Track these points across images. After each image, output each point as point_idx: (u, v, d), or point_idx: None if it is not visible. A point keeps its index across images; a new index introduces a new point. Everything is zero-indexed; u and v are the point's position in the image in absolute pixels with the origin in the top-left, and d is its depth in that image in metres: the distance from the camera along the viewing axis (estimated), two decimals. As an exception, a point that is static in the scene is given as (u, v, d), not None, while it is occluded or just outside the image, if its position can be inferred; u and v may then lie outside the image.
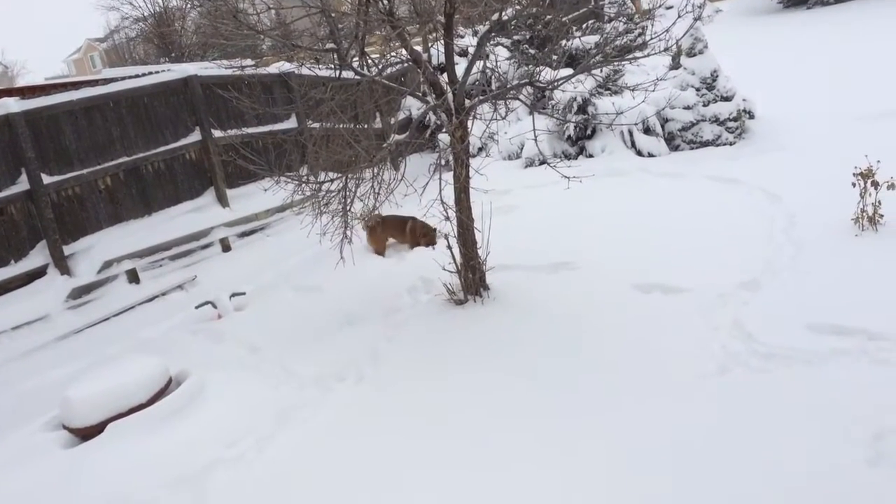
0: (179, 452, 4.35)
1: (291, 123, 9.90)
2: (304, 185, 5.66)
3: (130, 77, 8.83)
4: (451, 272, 5.83)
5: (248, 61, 8.83)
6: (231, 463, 4.24)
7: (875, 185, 5.64)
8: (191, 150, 9.08)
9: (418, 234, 7.44)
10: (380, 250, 7.64)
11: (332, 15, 6.32)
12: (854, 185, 5.73)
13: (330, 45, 5.88)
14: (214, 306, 6.85)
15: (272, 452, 4.30)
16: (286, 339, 5.94)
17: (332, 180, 5.60)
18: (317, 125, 8.29)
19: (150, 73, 9.22)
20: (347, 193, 5.58)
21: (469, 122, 5.96)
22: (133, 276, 8.06)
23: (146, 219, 8.69)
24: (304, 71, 7.10)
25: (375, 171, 5.63)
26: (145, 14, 23.04)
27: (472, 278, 5.80)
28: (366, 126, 6.81)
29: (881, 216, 5.66)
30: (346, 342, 5.63)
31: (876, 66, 10.69)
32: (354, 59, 5.67)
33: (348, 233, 5.61)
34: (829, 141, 8.10)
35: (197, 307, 6.90)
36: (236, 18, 6.06)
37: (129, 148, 8.54)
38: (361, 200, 5.69)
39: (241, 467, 4.20)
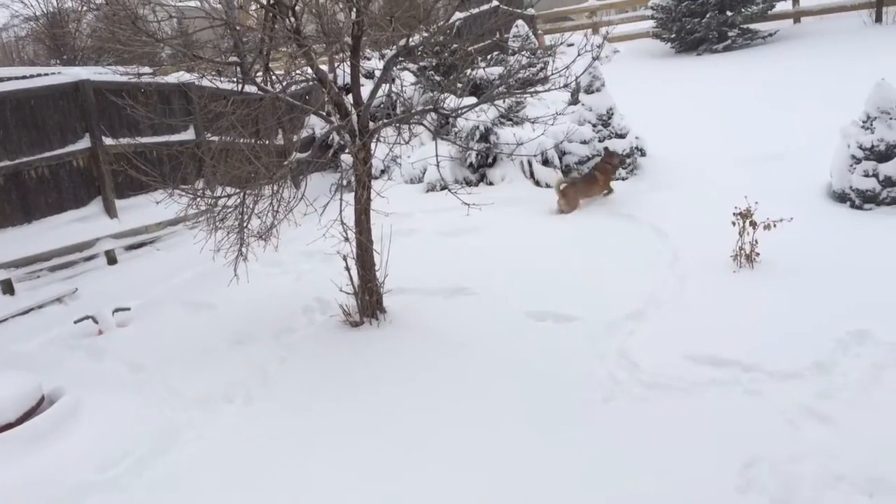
0: (48, 476, 4.10)
1: (189, 135, 9.63)
2: (199, 198, 5.51)
3: (17, 77, 8.37)
4: (349, 293, 5.80)
5: (146, 69, 8.54)
6: (105, 487, 4.03)
7: (753, 224, 6.00)
8: (79, 158, 8.67)
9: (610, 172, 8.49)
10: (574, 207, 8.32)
11: (237, 28, 6.22)
12: (734, 224, 6.08)
13: (233, 59, 5.78)
14: (95, 321, 6.52)
15: (151, 476, 4.12)
16: (172, 357, 5.72)
17: (229, 196, 5.49)
18: (216, 138, 8.11)
19: (40, 74, 8.77)
20: (245, 209, 5.48)
21: (372, 145, 5.98)
22: (7, 287, 7.59)
23: (25, 227, 8.20)
24: (205, 83, 6.95)
25: (275, 188, 5.55)
26: (37, 14, 21.93)
27: (370, 300, 5.79)
28: (267, 142, 6.70)
29: (757, 254, 6.03)
30: (236, 362, 5.48)
31: (759, 110, 11.41)
32: (258, 75, 5.59)
33: (244, 250, 5.50)
34: (715, 181, 8.55)
35: (76, 322, 6.55)
36: (135, 25, 5.87)
37: (12, 151, 8.08)
38: (259, 217, 5.60)
39: (115, 492, 3.99)
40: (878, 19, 17.08)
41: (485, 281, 6.40)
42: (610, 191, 8.61)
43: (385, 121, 5.96)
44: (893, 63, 12.24)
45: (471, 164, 9.77)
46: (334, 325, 5.82)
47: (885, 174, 7.04)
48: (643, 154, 9.80)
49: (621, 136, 9.46)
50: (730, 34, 17.47)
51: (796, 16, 18.86)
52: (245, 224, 5.43)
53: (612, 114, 9.53)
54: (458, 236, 7.64)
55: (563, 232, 7.64)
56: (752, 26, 17.73)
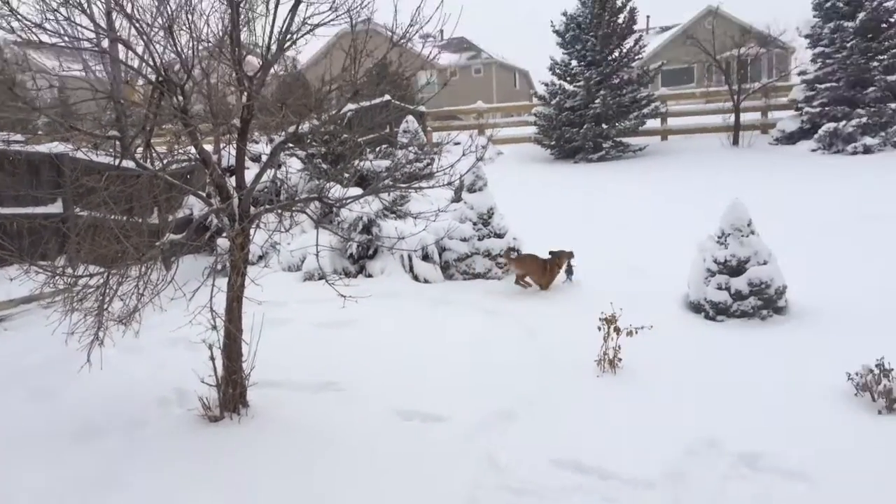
0: None
1: (56, 208, 9.17)
2: (58, 276, 5.21)
3: None
4: (211, 385, 5.56)
5: (18, 136, 8.17)
6: None
7: (617, 330, 6.27)
8: (-72, 224, 8.07)
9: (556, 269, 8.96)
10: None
11: (121, 102, 6.09)
12: (599, 329, 6.33)
13: (113, 133, 5.63)
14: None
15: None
16: (2, 451, 5.25)
17: (91, 275, 5.22)
18: (85, 214, 7.77)
19: None
20: (107, 291, 5.22)
21: (252, 230, 5.89)
22: None
23: None
24: (80, 155, 6.70)
25: (143, 269, 5.33)
26: None
27: (233, 393, 5.57)
28: (140, 221, 6.48)
29: (620, 360, 6.28)
30: (77, 458, 5.08)
31: (629, 219, 12.10)
32: (138, 150, 5.46)
33: (101, 334, 5.20)
34: (586, 285, 8.92)
35: None
36: (12, 91, 5.65)
37: None
38: (122, 300, 5.33)
39: None
40: (735, 142, 18.72)
41: (356, 376, 6.32)
42: (544, 286, 9.00)
43: (267, 206, 5.91)
44: (748, 182, 13.38)
45: (351, 255, 9.78)
46: (192, 420, 5.54)
47: (736, 288, 7.57)
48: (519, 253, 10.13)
49: (500, 236, 9.76)
50: (604, 145, 18.63)
51: (664, 133, 20.41)
52: (105, 306, 5.16)
53: (493, 213, 9.85)
54: (332, 328, 7.56)
55: (438, 328, 7.70)
56: (625, 140, 19.01)
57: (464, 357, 6.80)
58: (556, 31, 19.83)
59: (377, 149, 13.86)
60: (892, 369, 5.42)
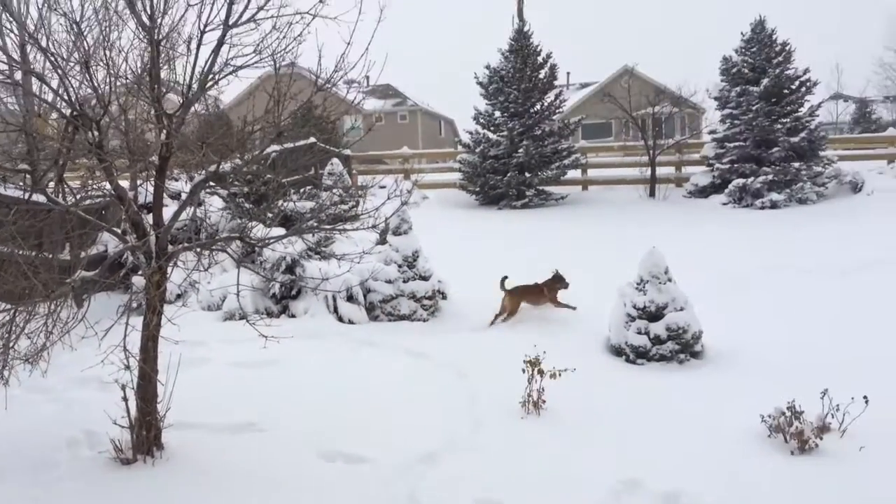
0: None
1: (-41, 241, 8.68)
2: (-41, 313, 4.91)
3: None
4: (123, 427, 5.31)
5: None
6: None
7: (541, 373, 6.32)
8: None
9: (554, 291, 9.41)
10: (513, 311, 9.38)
11: (34, 135, 5.86)
12: (524, 371, 6.37)
13: (24, 166, 5.42)
14: None
15: None
16: None
17: (-5, 312, 4.94)
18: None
19: None
20: (13, 328, 4.95)
21: (169, 269, 5.71)
22: None
23: None
24: (-14, 187, 6.39)
25: (52, 306, 5.09)
26: None
27: (147, 435, 5.32)
28: (50, 256, 6.20)
29: (544, 401, 6.32)
30: (-24, 504, 4.75)
31: (552, 264, 12.29)
32: (50, 185, 5.26)
33: (6, 373, 4.91)
34: (513, 328, 8.99)
35: None
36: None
37: None
38: (29, 338, 5.06)
39: None
40: (652, 194, 19.41)
41: (277, 417, 6.15)
42: (559, 305, 9.46)
43: (186, 245, 5.76)
44: (664, 232, 13.84)
45: (274, 295, 9.60)
46: (103, 463, 5.26)
47: (655, 333, 7.77)
48: (444, 297, 10.15)
49: (425, 279, 9.77)
50: (528, 193, 19.01)
51: (585, 184, 21.00)
52: (11, 344, 4.88)
53: (418, 256, 9.87)
54: (253, 368, 7.35)
55: (363, 369, 7.60)
56: (548, 189, 19.47)
57: (388, 398, 6.72)
58: (480, 83, 20.29)
59: (302, 190, 13.75)
60: (803, 412, 5.64)
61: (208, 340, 8.23)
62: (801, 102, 18.70)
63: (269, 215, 9.40)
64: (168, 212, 5.89)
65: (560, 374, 6.30)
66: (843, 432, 5.67)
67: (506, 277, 9.60)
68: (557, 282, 9.56)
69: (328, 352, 8.12)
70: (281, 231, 6.73)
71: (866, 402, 5.65)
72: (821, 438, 5.54)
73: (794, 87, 18.67)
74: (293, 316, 9.46)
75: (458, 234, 15.22)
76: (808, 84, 18.75)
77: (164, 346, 5.49)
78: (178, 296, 9.85)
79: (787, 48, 18.84)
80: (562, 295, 9.57)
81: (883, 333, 8.26)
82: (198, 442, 5.65)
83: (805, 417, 5.60)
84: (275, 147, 6.93)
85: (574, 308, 9.40)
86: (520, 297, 9.50)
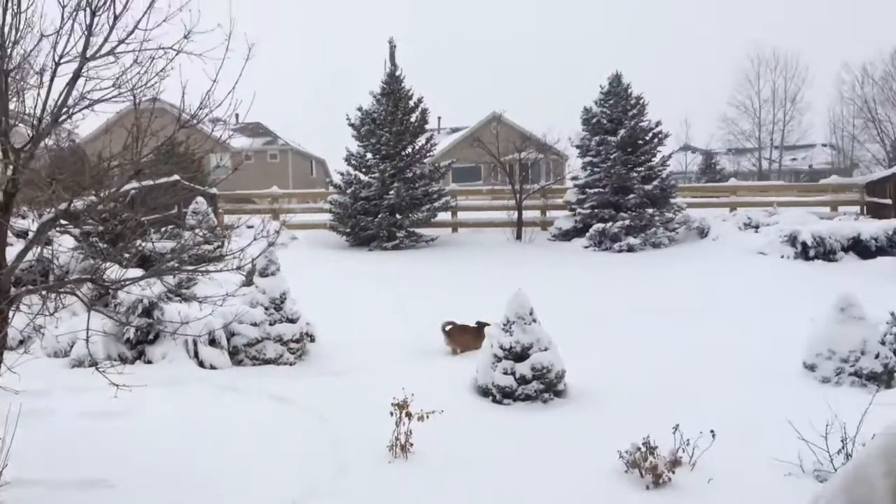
0: None
1: None
2: None
3: None
4: (-50, 488, 4.82)
5: None
6: None
7: (409, 415, 6.30)
8: None
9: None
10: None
11: None
12: (391, 414, 6.33)
13: None
14: None
15: None
16: None
17: None
18: None
19: None
20: None
21: (11, 312, 5.30)
22: None
23: None
24: None
25: None
26: None
27: (-22, 496, 4.86)
28: None
29: (411, 445, 6.29)
30: None
31: (422, 305, 12.38)
32: None
33: None
34: (382, 370, 8.93)
35: None
36: None
37: None
38: None
39: None
40: (519, 237, 20.02)
41: (128, 471, 5.77)
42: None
43: (30, 287, 5.37)
44: (530, 273, 14.27)
45: (129, 340, 9.09)
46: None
47: (520, 373, 7.95)
48: (312, 340, 9.98)
49: (292, 321, 9.57)
50: (398, 235, 19.14)
51: (454, 226, 21.40)
52: None
53: (286, 298, 9.66)
54: (104, 419, 6.88)
55: (223, 417, 7.29)
56: (418, 230, 19.68)
57: (250, 446, 6.47)
58: (352, 125, 20.39)
59: (163, 229, 13.20)
60: (657, 447, 5.90)
61: (54, 390, 7.67)
62: (654, 153, 20.00)
63: (126, 255, 8.94)
64: (13, 251, 5.50)
65: (428, 417, 6.30)
66: (693, 465, 5.98)
67: (449, 323, 10.20)
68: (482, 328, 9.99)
69: (187, 399, 7.75)
70: (139, 272, 6.42)
71: (713, 435, 6.00)
72: (673, 472, 5.82)
73: (647, 138, 19.96)
74: (150, 362, 8.99)
75: (329, 275, 15.07)
76: (660, 136, 20.10)
77: (2, 397, 5.06)
78: (21, 342, 9.12)
79: (641, 102, 20.16)
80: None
81: (725, 370, 8.85)
82: (39, 501, 5.20)
83: (659, 452, 5.87)
84: (134, 184, 6.63)
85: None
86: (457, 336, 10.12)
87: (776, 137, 44.36)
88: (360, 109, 20.32)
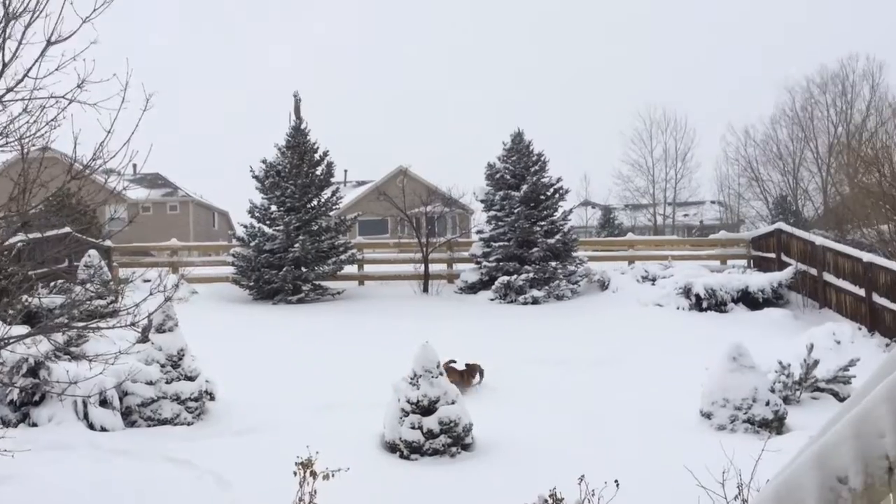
0: None
1: None
2: None
3: None
4: None
5: None
6: None
7: (313, 474, 6.10)
8: None
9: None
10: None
11: None
12: (295, 473, 6.11)
13: None
14: None
15: None
16: None
17: None
18: None
19: None
20: None
21: None
22: None
23: None
24: None
25: None
26: None
27: None
28: None
29: (316, 505, 6.08)
30: None
31: (329, 361, 12.17)
32: None
33: None
34: (285, 428, 8.66)
35: None
36: None
37: None
38: None
39: None
40: (426, 290, 20.08)
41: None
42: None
43: None
44: (437, 326, 14.28)
45: (12, 402, 8.50)
46: None
47: (427, 427, 7.88)
48: (212, 398, 9.60)
49: (191, 379, 9.19)
50: (304, 288, 18.86)
51: (361, 279, 21.27)
52: None
53: (184, 355, 9.29)
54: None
55: (114, 483, 6.87)
56: (324, 283, 19.45)
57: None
58: (256, 177, 20.13)
59: (52, 284, 12.53)
60: (563, 499, 5.92)
61: (-78, 458, 7.03)
62: (556, 207, 20.61)
63: (10, 312, 8.43)
64: None
65: (333, 475, 6.12)
66: (598, 516, 6.02)
67: (452, 361, 10.84)
68: (474, 367, 11.14)
69: (74, 464, 7.27)
70: (24, 329, 6.05)
71: (617, 485, 6.07)
72: (580, 524, 5.83)
73: (549, 193, 20.57)
74: (35, 424, 8.40)
75: (231, 330, 14.64)
76: (561, 191, 20.76)
77: None
78: None
79: (543, 158, 20.83)
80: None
81: (628, 419, 9.05)
82: None
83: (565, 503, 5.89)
84: (21, 236, 6.30)
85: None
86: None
87: (669, 194, 46.62)
88: (264, 161, 20.11)
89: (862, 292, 14.86)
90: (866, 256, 15.08)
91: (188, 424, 8.92)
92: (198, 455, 7.65)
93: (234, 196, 45.97)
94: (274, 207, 19.95)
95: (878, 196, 19.28)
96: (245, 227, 19.93)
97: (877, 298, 14.31)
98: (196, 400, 9.14)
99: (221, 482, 6.90)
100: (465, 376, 10.97)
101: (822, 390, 10.31)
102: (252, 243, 19.32)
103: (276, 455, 7.14)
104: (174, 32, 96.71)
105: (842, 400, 9.57)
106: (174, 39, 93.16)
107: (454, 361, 10.95)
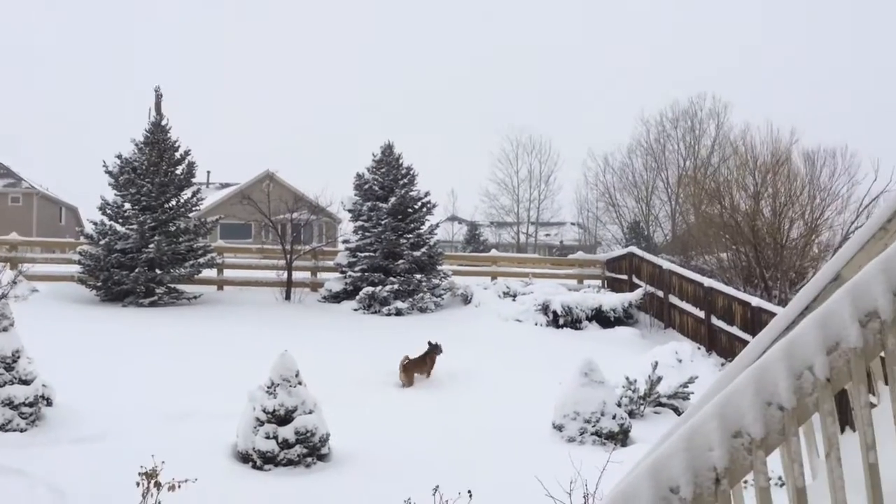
0: None
1: None
2: None
3: None
4: None
5: None
6: None
7: (158, 485, 5.80)
8: None
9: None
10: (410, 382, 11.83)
11: None
12: (138, 484, 5.80)
13: None
14: None
15: None
16: None
17: None
18: None
19: None
20: None
21: None
22: None
23: None
24: None
25: None
26: None
27: None
28: None
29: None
30: None
31: (181, 367, 11.64)
32: None
33: None
34: (131, 437, 8.21)
35: None
36: None
37: None
38: None
39: None
40: (288, 297, 19.69)
41: None
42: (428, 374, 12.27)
43: None
44: (298, 335, 14.03)
45: None
46: None
47: (283, 437, 7.70)
48: (50, 403, 8.94)
49: (26, 383, 8.52)
50: (158, 291, 18.00)
51: (220, 284, 20.58)
52: None
53: (19, 357, 8.61)
54: None
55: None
56: (180, 287, 18.64)
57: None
58: (110, 173, 18.98)
59: None
60: (417, 508, 5.96)
61: None
62: (423, 221, 20.80)
63: None
64: None
65: (180, 486, 5.84)
66: (453, 526, 6.09)
67: (406, 357, 12.08)
68: (434, 350, 12.35)
69: None
70: None
71: (470, 495, 6.18)
72: (434, 533, 5.88)
73: (417, 206, 20.74)
74: None
75: (74, 332, 13.72)
76: (428, 205, 20.99)
77: None
78: None
79: (412, 172, 20.99)
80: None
81: (484, 432, 9.24)
82: None
83: (420, 514, 5.92)
84: None
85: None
86: (412, 369, 12.06)
87: (532, 214, 48.23)
88: (119, 157, 19.01)
89: (702, 314, 15.97)
90: (707, 281, 16.25)
91: (21, 431, 8.26)
92: (31, 463, 7.11)
93: (86, 191, 43.29)
94: (128, 205, 18.89)
95: (720, 226, 20.84)
96: (95, 224, 18.75)
97: (715, 321, 15.42)
98: (31, 405, 8.48)
99: (56, 492, 6.44)
100: (429, 360, 12.33)
101: (663, 405, 10.96)
102: (102, 241, 18.21)
103: (119, 465, 6.76)
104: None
105: (680, 414, 10.22)
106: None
107: (407, 358, 12.14)
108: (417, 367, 12.21)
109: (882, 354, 2.53)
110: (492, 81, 78.61)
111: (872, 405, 2.76)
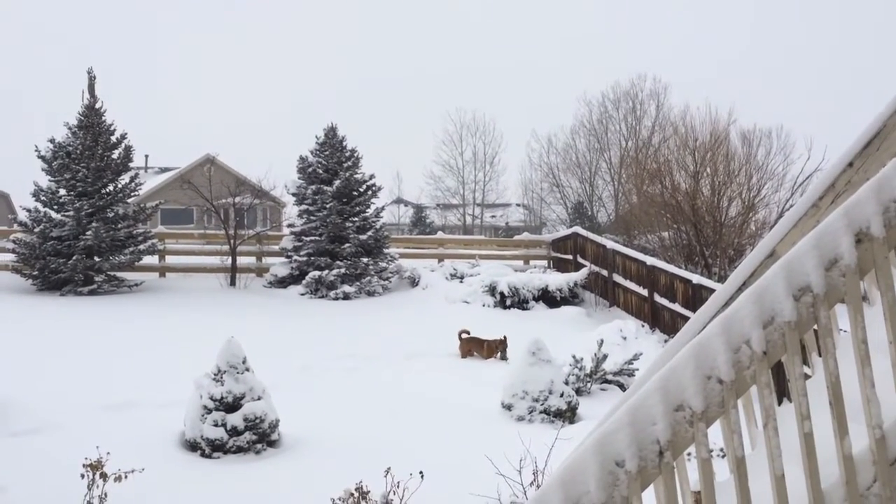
0: None
1: None
2: None
3: None
4: None
5: None
6: None
7: (103, 476, 5.70)
8: None
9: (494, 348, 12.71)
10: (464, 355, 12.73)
11: None
12: (83, 476, 5.69)
13: None
14: None
15: None
16: None
17: None
18: None
19: None
20: None
21: None
22: None
23: None
24: None
25: None
26: None
27: None
28: None
29: (109, 509, 5.69)
30: None
31: (122, 356, 11.40)
32: None
33: None
34: (73, 429, 8.01)
35: None
36: None
37: None
38: None
39: None
40: (233, 283, 19.43)
41: None
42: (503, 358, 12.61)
43: None
44: (244, 321, 13.88)
45: None
46: None
47: (232, 424, 7.62)
48: (-15, 398, 8.66)
49: (-40, 378, 8.25)
50: (96, 279, 17.57)
51: (162, 270, 20.19)
52: None
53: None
54: None
55: None
56: (120, 274, 18.21)
57: None
58: (43, 158, 18.33)
59: None
60: (370, 491, 5.98)
61: None
62: (369, 204, 20.70)
63: None
64: None
65: (126, 477, 5.75)
66: (403, 506, 6.15)
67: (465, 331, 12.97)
68: (498, 343, 12.77)
69: None
70: None
71: (422, 476, 6.23)
72: (385, 514, 5.92)
73: (362, 189, 20.62)
74: None
75: (9, 323, 13.31)
76: (374, 188, 20.88)
77: None
78: None
79: (356, 154, 20.83)
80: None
81: (435, 413, 9.31)
82: None
83: (371, 496, 5.94)
84: None
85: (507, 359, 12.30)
86: (468, 345, 12.83)
87: (478, 195, 48.34)
88: (52, 141, 18.37)
89: (645, 292, 16.32)
90: (649, 260, 16.58)
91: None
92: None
93: (17, 177, 41.72)
94: (63, 191, 18.30)
95: (661, 205, 21.25)
96: (29, 211, 18.13)
97: (658, 298, 15.77)
98: None
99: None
100: (487, 349, 12.70)
101: (609, 382, 11.19)
102: (36, 229, 17.63)
103: (62, 457, 6.63)
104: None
105: (625, 391, 10.46)
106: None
107: (467, 332, 12.87)
108: (475, 345, 12.87)
109: (815, 327, 2.64)
110: (439, 65, 78.28)
111: (807, 376, 2.88)
